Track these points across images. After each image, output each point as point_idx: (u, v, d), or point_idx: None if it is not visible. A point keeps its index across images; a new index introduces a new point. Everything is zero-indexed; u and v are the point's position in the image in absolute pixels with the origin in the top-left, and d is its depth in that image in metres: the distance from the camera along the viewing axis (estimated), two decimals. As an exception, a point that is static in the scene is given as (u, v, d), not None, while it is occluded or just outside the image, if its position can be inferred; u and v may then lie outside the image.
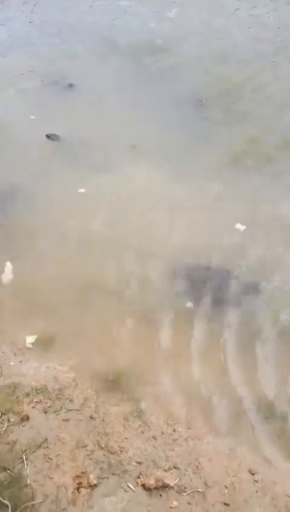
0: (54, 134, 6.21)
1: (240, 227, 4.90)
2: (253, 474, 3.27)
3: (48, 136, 6.19)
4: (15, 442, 3.32)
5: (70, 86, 7.15)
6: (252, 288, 4.36)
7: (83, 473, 3.22)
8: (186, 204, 5.25)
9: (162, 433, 3.48)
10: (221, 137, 6.13)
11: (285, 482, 3.21)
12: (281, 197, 5.30)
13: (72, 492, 3.12)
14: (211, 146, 6.00)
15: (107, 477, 3.22)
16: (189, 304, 4.32)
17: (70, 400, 3.67)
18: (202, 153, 5.90)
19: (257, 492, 3.18)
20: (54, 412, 3.57)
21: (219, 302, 4.29)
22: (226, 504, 3.11)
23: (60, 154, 6.01)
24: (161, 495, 3.15)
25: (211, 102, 6.77)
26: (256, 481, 3.24)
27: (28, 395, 3.67)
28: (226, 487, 3.20)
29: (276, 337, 4.07)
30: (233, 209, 5.16)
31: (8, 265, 4.73)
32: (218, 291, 4.36)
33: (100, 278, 4.56)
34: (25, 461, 3.23)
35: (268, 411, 3.61)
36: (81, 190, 5.48)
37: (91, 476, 3.20)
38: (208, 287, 4.44)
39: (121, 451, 3.36)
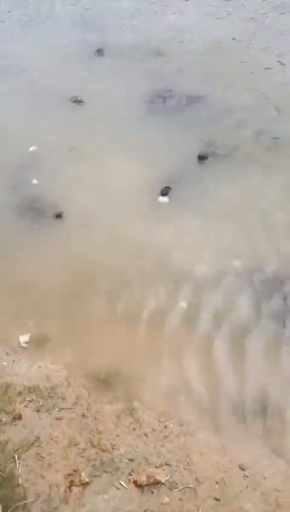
0: None
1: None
2: (243, 469, 3.30)
3: None
4: (7, 442, 3.35)
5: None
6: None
7: (75, 471, 3.25)
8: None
9: (154, 430, 3.51)
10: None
11: (275, 477, 3.25)
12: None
13: (64, 491, 3.15)
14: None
15: (99, 475, 3.25)
16: (183, 304, 4.32)
17: (63, 399, 3.69)
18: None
19: (247, 487, 3.21)
20: (47, 411, 3.60)
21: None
22: (217, 499, 3.15)
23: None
24: (152, 492, 3.18)
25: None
26: (246, 476, 3.27)
27: (20, 394, 3.69)
28: (217, 483, 3.23)
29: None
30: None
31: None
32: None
33: (94, 278, 4.57)
34: (16, 460, 3.26)
35: (259, 407, 3.63)
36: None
37: (83, 474, 3.23)
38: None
39: (113, 448, 3.39)
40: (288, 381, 3.78)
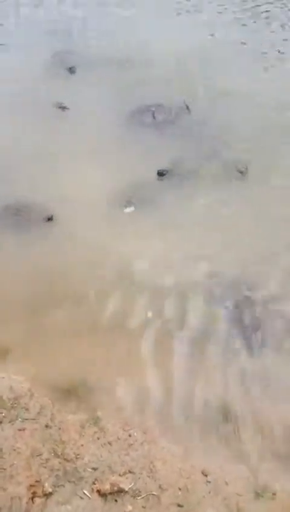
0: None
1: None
2: (206, 475, 3.36)
3: None
4: None
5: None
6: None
7: (37, 481, 3.21)
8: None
9: (118, 438, 3.52)
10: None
11: (236, 482, 3.32)
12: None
13: (27, 503, 3.10)
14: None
15: (63, 485, 3.23)
16: (149, 314, 4.40)
17: (26, 409, 3.65)
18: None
19: (209, 492, 3.27)
20: (9, 422, 3.54)
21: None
22: (180, 506, 3.18)
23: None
24: (116, 500, 3.18)
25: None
26: (209, 482, 3.33)
27: (-19, 405, 3.62)
28: (180, 489, 3.27)
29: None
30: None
31: None
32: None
33: (56, 288, 4.57)
34: (-23, 473, 3.19)
35: (220, 414, 3.72)
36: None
37: (46, 485, 3.20)
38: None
39: (77, 458, 3.37)
40: (249, 389, 3.90)
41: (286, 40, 8.59)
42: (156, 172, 5.82)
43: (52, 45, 8.33)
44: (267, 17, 9.29)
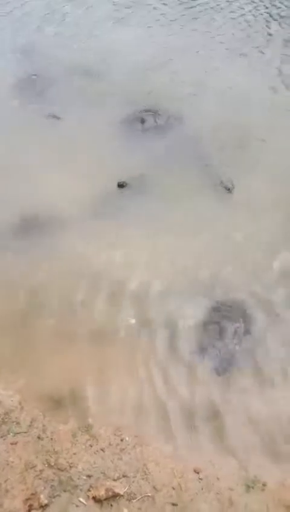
0: None
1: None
2: (198, 472, 3.46)
3: None
4: None
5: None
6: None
7: (33, 494, 3.26)
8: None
9: (110, 444, 3.59)
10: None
11: (227, 477, 3.43)
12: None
13: (24, 516, 3.15)
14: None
15: (59, 495, 3.28)
16: (132, 321, 4.46)
17: (17, 423, 3.69)
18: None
19: (202, 489, 3.37)
20: (1, 437, 3.58)
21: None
22: (174, 504, 3.27)
23: None
24: (111, 505, 3.26)
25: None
26: (201, 479, 3.43)
27: (-28, 422, 3.65)
28: (173, 488, 3.36)
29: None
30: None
31: None
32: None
33: (38, 300, 4.61)
34: (-28, 491, 3.22)
35: (207, 412, 3.81)
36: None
37: (42, 496, 3.25)
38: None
39: (71, 467, 3.43)
40: (237, 388, 4.00)
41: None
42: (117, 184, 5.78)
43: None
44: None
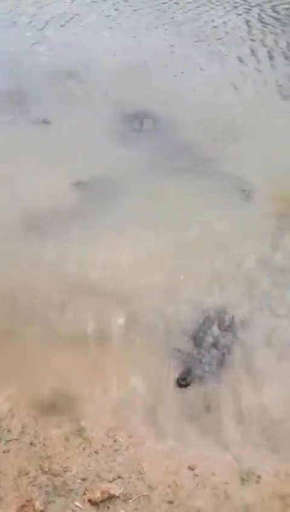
0: None
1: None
2: (193, 469, 3.46)
3: None
4: None
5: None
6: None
7: (28, 501, 3.22)
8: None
9: (104, 446, 3.57)
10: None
11: (221, 471, 3.44)
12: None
13: (19, 523, 3.11)
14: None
15: (54, 500, 3.25)
16: (121, 321, 4.45)
17: (9, 431, 3.65)
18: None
19: (197, 485, 3.37)
20: (-7, 445, 3.54)
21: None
22: (170, 502, 3.27)
23: None
24: (108, 507, 3.24)
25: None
26: (196, 475, 3.43)
27: None
28: (169, 486, 3.36)
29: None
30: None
31: None
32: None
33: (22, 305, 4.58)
34: None
35: (198, 408, 3.82)
36: None
37: (37, 503, 3.21)
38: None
39: (65, 471, 3.40)
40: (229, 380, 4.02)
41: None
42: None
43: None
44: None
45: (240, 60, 8.32)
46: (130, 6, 9.85)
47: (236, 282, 4.82)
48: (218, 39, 8.85)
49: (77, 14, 9.57)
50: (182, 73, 8.01)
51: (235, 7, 9.88)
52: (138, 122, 6.93)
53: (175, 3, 9.95)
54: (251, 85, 7.75)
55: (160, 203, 5.66)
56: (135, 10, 9.76)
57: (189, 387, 3.95)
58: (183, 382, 3.95)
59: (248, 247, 5.21)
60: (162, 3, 9.90)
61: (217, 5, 9.88)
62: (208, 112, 7.07)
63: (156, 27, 9.25)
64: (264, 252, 5.16)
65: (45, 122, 6.94)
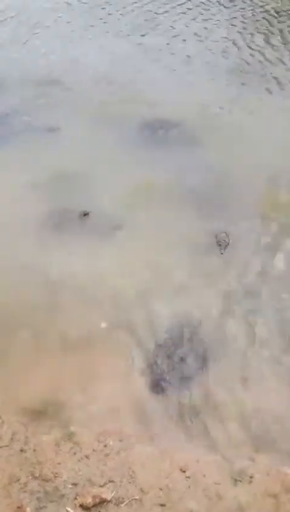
0: None
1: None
2: (184, 471, 3.46)
3: None
4: None
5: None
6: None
7: (19, 507, 3.19)
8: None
9: (94, 450, 3.56)
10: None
11: (212, 472, 3.44)
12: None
13: (10, 530, 3.08)
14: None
15: (45, 506, 3.23)
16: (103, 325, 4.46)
17: (-1, 438, 3.62)
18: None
19: (189, 487, 3.37)
20: (-17, 453, 3.50)
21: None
22: (162, 505, 3.26)
23: None
24: (100, 511, 3.22)
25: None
26: (188, 477, 3.43)
27: None
28: (161, 489, 3.35)
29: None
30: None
31: None
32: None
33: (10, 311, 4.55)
34: None
35: (187, 410, 3.83)
36: None
37: (28, 509, 3.19)
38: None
39: (56, 477, 3.38)
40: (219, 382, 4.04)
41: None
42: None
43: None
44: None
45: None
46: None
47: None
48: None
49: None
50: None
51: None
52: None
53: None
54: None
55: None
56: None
57: (169, 392, 3.94)
58: (158, 388, 3.94)
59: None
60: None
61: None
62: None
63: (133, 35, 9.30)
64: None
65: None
